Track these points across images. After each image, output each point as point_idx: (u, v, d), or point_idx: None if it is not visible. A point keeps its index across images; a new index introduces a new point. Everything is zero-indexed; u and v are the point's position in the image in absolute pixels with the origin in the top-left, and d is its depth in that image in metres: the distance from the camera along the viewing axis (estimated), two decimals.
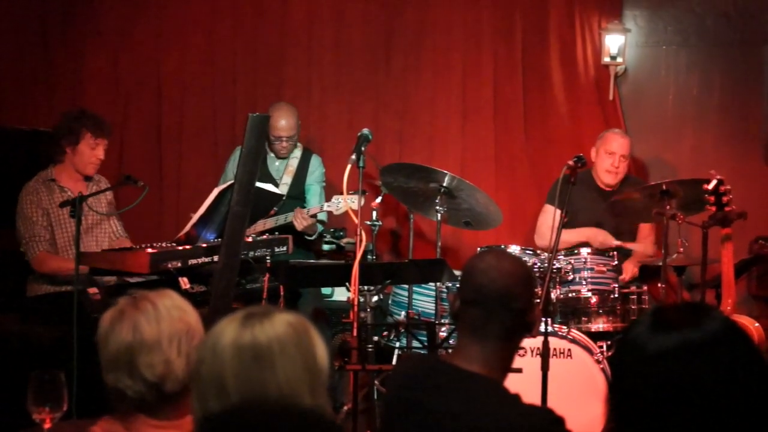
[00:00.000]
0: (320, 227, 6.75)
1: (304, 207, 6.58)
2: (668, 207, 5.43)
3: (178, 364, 2.48)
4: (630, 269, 6.35)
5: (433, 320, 5.77)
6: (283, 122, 6.69)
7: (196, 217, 5.36)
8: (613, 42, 7.24)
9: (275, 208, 6.32)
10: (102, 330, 2.52)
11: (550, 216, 6.49)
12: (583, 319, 5.88)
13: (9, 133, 6.63)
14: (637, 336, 1.91)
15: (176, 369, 2.47)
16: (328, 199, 6.52)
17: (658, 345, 1.87)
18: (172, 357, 2.47)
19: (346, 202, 5.62)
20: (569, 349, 5.43)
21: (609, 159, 6.56)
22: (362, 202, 5.30)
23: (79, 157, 5.84)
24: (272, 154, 6.83)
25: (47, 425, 2.96)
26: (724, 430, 1.82)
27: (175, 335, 2.49)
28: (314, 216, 6.41)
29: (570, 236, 6.33)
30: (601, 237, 6.40)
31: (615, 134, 6.67)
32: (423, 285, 5.98)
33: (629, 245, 6.47)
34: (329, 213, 6.43)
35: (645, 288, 6.05)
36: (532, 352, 5.18)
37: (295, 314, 2.15)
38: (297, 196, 6.77)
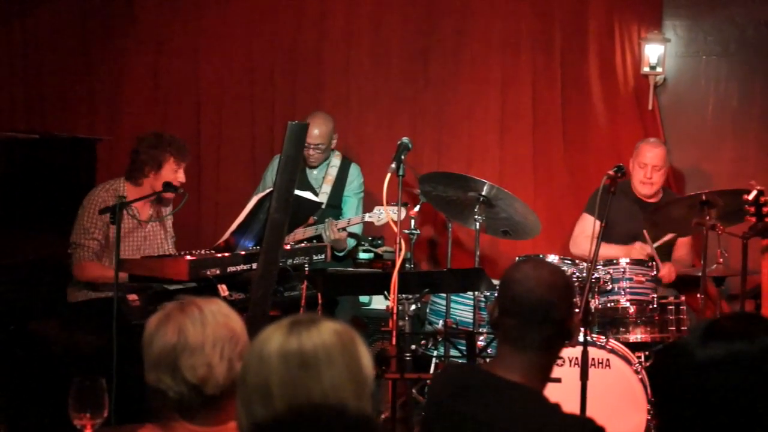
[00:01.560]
0: (352, 242, 6.73)
1: (339, 218, 6.59)
2: (708, 217, 5.40)
3: (220, 369, 2.50)
4: (667, 272, 6.30)
5: (471, 329, 5.76)
6: (316, 131, 6.68)
7: (235, 224, 5.37)
8: (653, 52, 7.19)
9: (314, 217, 6.32)
10: (148, 331, 2.55)
11: (587, 224, 6.46)
12: (621, 329, 5.84)
13: (50, 141, 6.67)
14: (688, 342, 1.90)
15: (217, 373, 2.49)
16: (369, 209, 6.50)
17: (705, 353, 1.86)
18: (214, 361, 2.49)
19: (388, 213, 5.57)
20: (608, 359, 5.40)
21: (642, 171, 6.54)
22: (403, 214, 5.29)
23: (160, 181, 5.70)
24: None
25: (88, 431, 2.98)
26: None
27: (219, 340, 2.51)
28: (344, 229, 6.40)
29: (608, 251, 6.27)
30: (637, 251, 6.34)
31: (648, 145, 6.62)
32: (461, 294, 5.98)
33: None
34: (365, 223, 6.44)
35: (683, 298, 6.00)
36: (570, 362, 5.17)
37: (342, 323, 2.16)
38: (336, 205, 6.78)
